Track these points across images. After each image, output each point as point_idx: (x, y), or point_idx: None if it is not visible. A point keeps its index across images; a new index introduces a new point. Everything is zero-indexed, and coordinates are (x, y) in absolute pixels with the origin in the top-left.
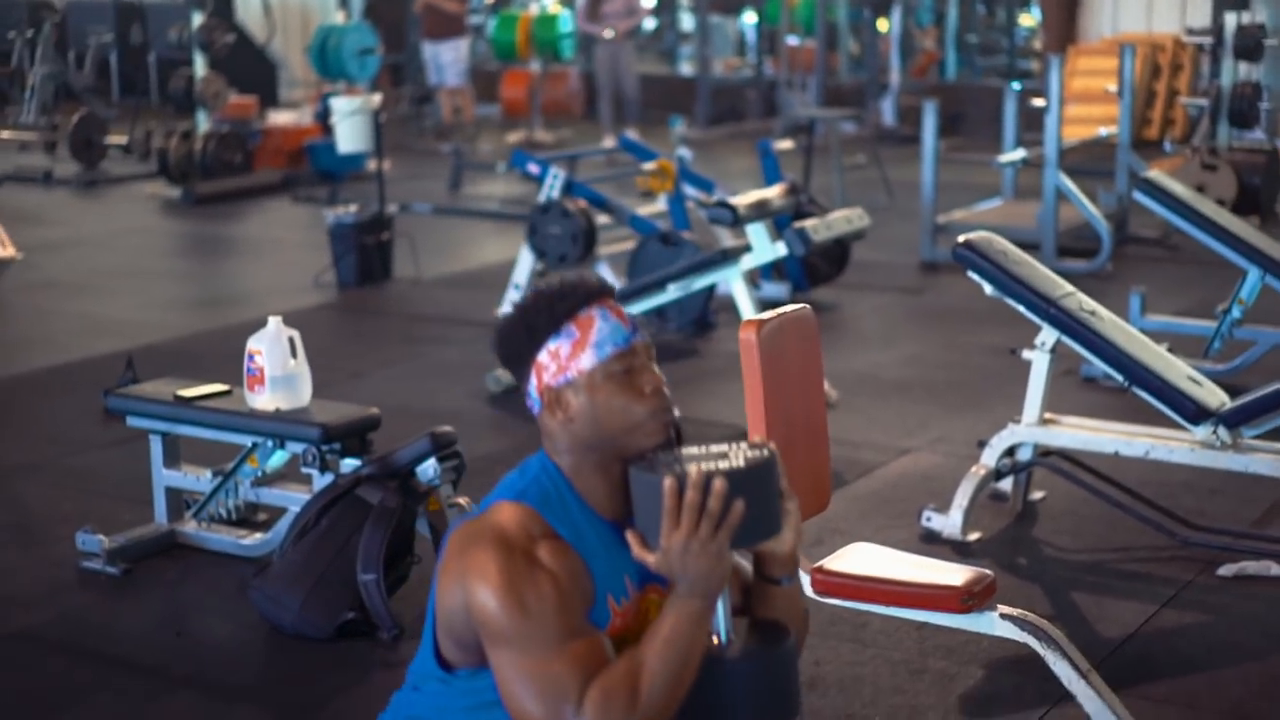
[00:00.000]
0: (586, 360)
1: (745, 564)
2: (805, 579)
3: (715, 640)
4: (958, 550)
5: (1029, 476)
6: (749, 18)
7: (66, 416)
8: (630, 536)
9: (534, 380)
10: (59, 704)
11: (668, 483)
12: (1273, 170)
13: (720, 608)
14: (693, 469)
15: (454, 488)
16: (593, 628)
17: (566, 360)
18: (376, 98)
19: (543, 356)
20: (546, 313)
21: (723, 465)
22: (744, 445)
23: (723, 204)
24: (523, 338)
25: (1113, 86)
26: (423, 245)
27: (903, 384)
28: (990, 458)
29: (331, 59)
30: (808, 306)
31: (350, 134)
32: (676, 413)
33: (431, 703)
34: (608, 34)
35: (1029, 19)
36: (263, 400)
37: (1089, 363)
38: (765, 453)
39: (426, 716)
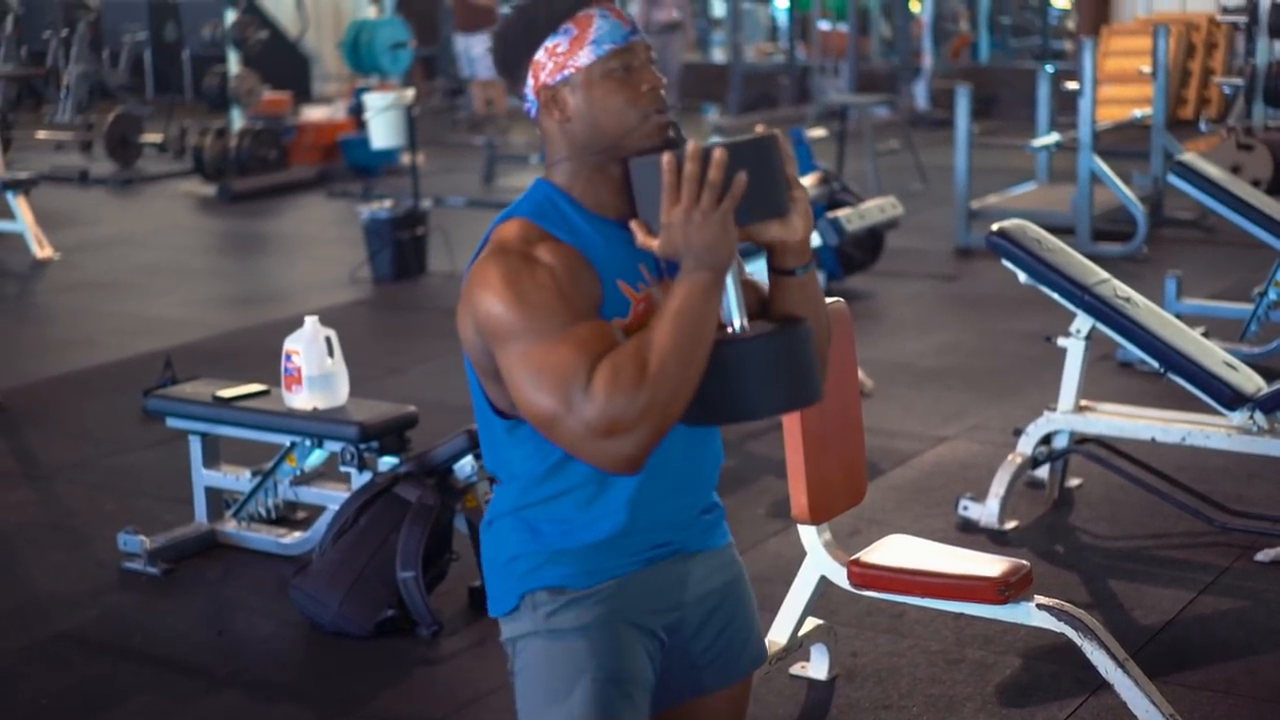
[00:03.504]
0: (584, 56)
1: (761, 281)
2: (842, 571)
3: (728, 329)
4: (995, 539)
5: (1065, 464)
6: (781, 3)
7: (107, 417)
8: (634, 225)
9: (531, 81)
10: (101, 704)
11: (665, 158)
12: None
13: (731, 296)
14: (690, 144)
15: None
16: (598, 316)
17: (564, 57)
18: (409, 92)
19: (540, 55)
20: (545, 10)
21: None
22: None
23: None
24: (520, 37)
25: (1147, 67)
26: (457, 239)
27: (938, 372)
28: (1026, 446)
29: (364, 53)
30: (841, 300)
31: (384, 129)
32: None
33: (515, 483)
34: (675, 14)
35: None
36: (300, 400)
37: (1124, 347)
38: (767, 132)
39: (515, 500)
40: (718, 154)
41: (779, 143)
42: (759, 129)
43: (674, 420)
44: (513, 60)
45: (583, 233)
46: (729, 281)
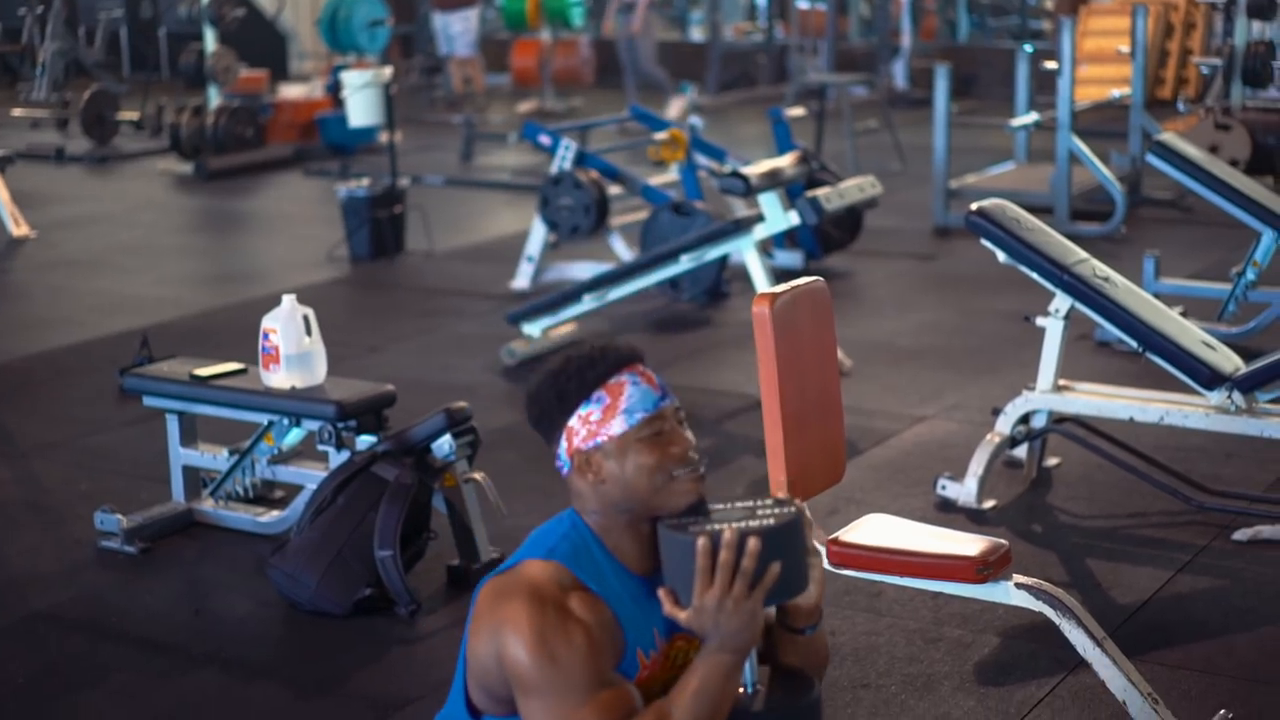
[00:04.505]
0: (617, 426)
1: (769, 610)
2: (820, 550)
3: (741, 690)
4: (973, 518)
5: (1044, 443)
6: None
7: (84, 395)
8: (662, 594)
9: (564, 443)
10: (78, 682)
11: (701, 543)
12: None
13: (748, 669)
14: (726, 530)
15: (469, 463)
16: (621, 678)
17: (597, 426)
18: (387, 70)
19: (573, 422)
20: (577, 379)
21: (754, 524)
22: (769, 501)
23: (735, 174)
24: (553, 403)
25: (1125, 47)
26: (435, 218)
27: (917, 351)
28: (1005, 425)
29: (342, 31)
30: (821, 279)
31: (361, 107)
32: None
33: None
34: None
35: None
36: (278, 378)
37: (1103, 327)
38: (792, 510)
39: None
40: (752, 545)
41: (805, 521)
42: (779, 492)
43: None
44: (546, 423)
45: (613, 589)
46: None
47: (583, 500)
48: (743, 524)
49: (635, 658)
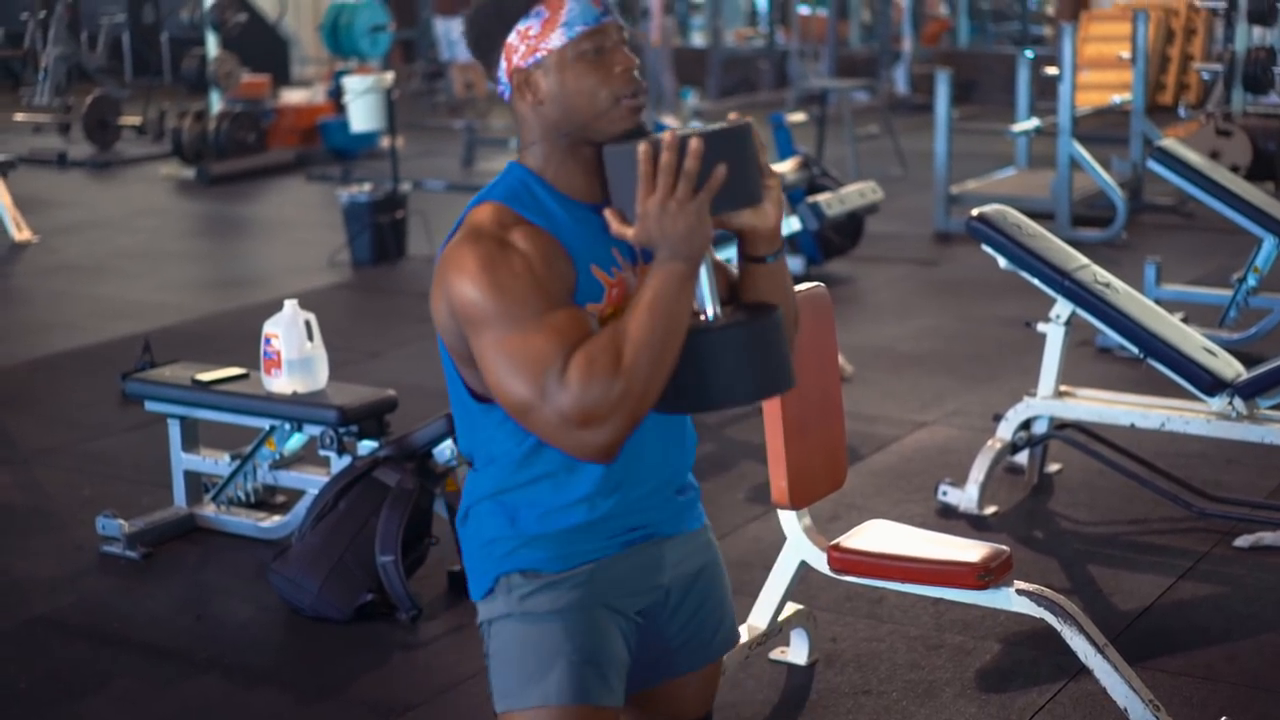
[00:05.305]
0: (556, 39)
1: (731, 267)
2: (822, 556)
3: (701, 317)
4: (974, 524)
5: (1045, 449)
6: None
7: (85, 400)
8: (608, 215)
9: (504, 63)
10: (80, 688)
11: (641, 148)
12: None
13: (704, 284)
14: (666, 134)
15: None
16: (573, 303)
17: (536, 39)
18: (389, 75)
19: (512, 38)
20: None
21: (697, 129)
22: (719, 123)
23: None
24: (493, 19)
25: (1126, 53)
26: (436, 223)
27: (918, 357)
28: (1006, 431)
29: (343, 36)
30: (822, 285)
31: (363, 112)
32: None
33: (492, 467)
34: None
35: None
36: (280, 383)
37: (1104, 333)
38: (741, 120)
39: (492, 485)
40: (694, 144)
41: (753, 131)
42: (732, 116)
43: (648, 409)
44: (485, 44)
45: (556, 217)
46: (703, 270)
47: (524, 127)
48: (686, 130)
49: (594, 276)
